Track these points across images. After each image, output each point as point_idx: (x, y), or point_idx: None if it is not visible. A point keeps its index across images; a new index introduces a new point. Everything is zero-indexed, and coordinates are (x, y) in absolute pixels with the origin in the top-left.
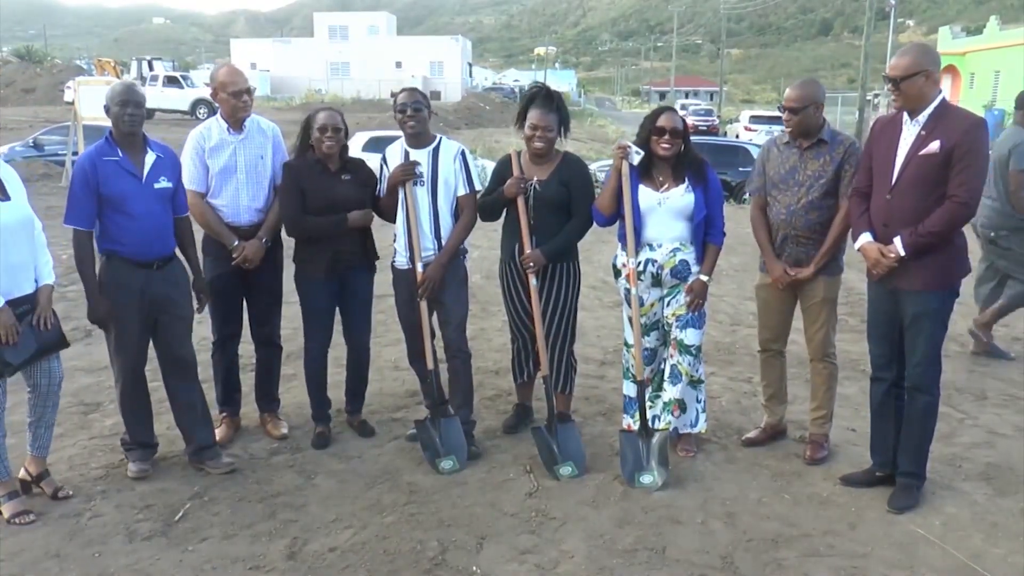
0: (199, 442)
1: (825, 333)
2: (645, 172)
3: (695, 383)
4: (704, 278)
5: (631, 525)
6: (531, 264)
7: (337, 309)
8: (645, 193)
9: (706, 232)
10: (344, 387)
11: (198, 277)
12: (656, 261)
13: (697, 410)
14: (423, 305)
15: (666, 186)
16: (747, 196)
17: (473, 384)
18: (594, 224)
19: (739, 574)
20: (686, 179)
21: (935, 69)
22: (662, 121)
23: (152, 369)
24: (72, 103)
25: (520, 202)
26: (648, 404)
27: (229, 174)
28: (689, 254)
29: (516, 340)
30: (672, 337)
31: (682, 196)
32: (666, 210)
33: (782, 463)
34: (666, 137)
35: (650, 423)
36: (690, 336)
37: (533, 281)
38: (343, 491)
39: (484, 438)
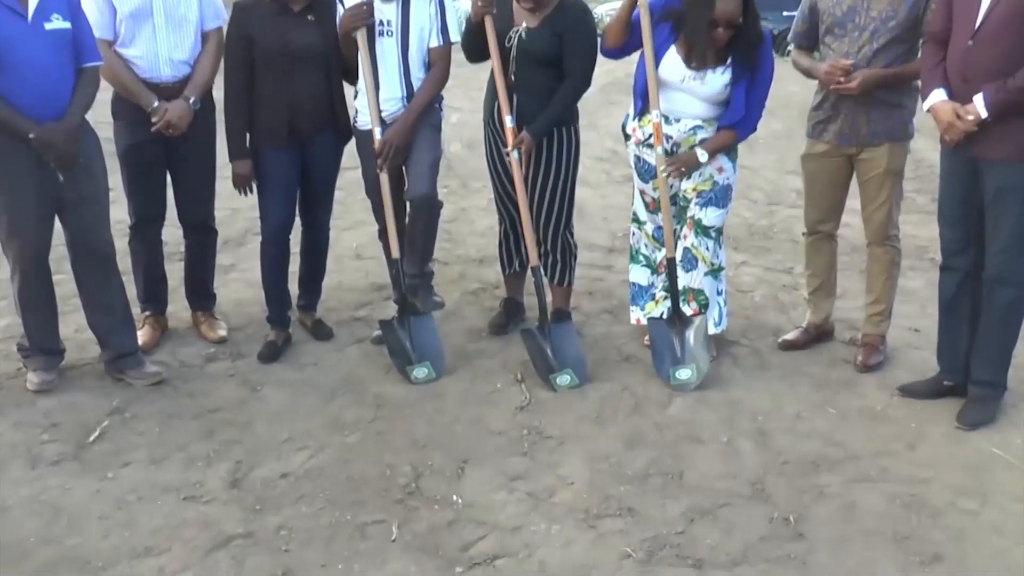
0: (118, 348)
1: (887, 212)
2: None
3: (715, 272)
4: (701, 155)
5: (642, 445)
6: (519, 150)
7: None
8: (671, 62)
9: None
10: (297, 278)
11: (45, 135)
12: (671, 137)
13: (719, 305)
14: (384, 179)
15: (700, 65)
16: (789, 48)
17: (435, 239)
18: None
19: (771, 503)
20: (730, 65)
21: None
22: (720, 9)
23: (57, 259)
24: None
25: (490, 33)
26: (663, 295)
27: (143, 17)
28: (712, 131)
29: (503, 221)
30: (688, 216)
31: (717, 84)
32: (689, 91)
33: (827, 370)
34: (720, 30)
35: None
36: (710, 216)
37: (514, 156)
38: (296, 405)
39: (466, 341)
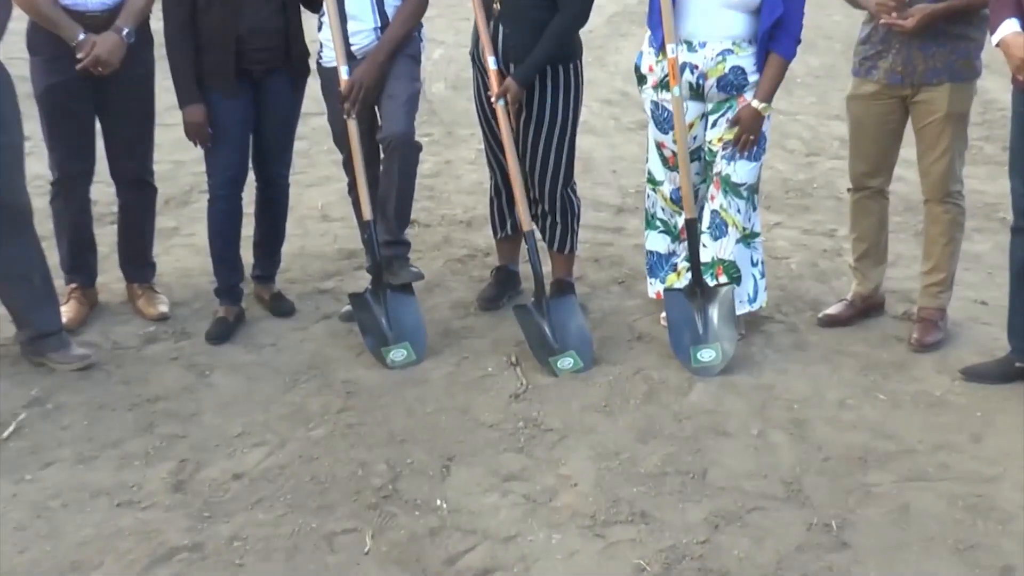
0: (37, 326)
1: (948, 164)
2: None
3: (748, 238)
4: (759, 105)
5: (658, 439)
6: (504, 99)
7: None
8: None
9: (771, 36)
10: (251, 244)
11: None
12: (697, 67)
13: (755, 277)
14: (352, 126)
15: None
16: None
17: (414, 191)
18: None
19: (810, 506)
20: None
21: None
22: None
23: None
24: None
25: None
26: (686, 265)
27: None
28: (746, 57)
29: (494, 176)
30: (715, 172)
31: None
32: None
33: (876, 349)
34: None
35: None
36: (741, 171)
37: (500, 105)
38: (251, 393)
39: (451, 317)
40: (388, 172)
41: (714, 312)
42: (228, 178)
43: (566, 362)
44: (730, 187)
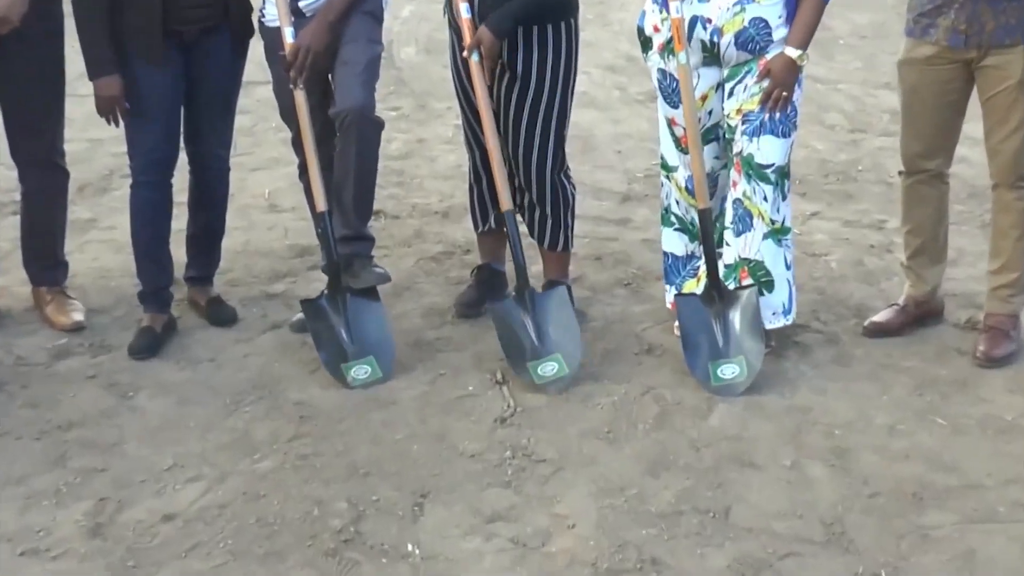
0: None
1: (1021, 142)
2: None
3: (778, 233)
4: (793, 52)
5: (672, 471)
6: (478, 52)
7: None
8: None
9: None
10: (184, 239)
11: None
12: (710, 21)
13: (789, 284)
14: (301, 97)
15: None
16: None
17: (376, 177)
18: None
19: (854, 551)
20: None
21: None
22: None
23: None
24: None
25: None
26: (701, 268)
27: None
28: (769, 7)
29: (473, 157)
30: (735, 152)
31: None
32: None
33: (933, 365)
34: None
35: (724, 279)
36: (767, 150)
37: (474, 59)
38: (184, 419)
39: (424, 326)
40: (343, 154)
41: (736, 320)
42: (155, 160)
43: (548, 367)
44: (754, 170)
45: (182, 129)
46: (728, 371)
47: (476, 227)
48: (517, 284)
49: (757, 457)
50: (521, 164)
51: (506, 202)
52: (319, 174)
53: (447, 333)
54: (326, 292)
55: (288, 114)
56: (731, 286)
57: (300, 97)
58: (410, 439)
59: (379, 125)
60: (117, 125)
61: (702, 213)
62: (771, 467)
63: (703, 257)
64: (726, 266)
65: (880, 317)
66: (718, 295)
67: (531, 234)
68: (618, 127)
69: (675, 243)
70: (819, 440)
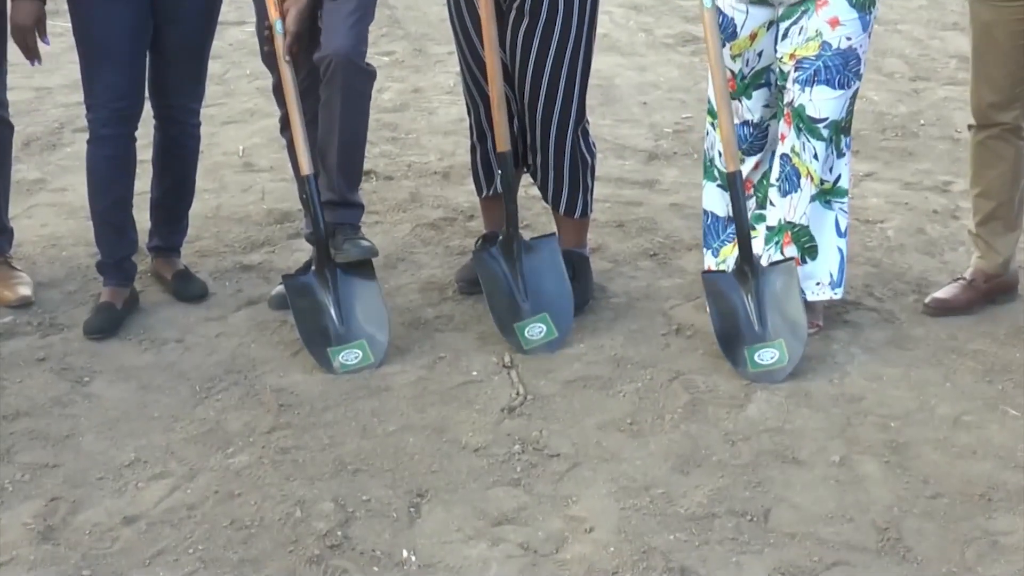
0: None
1: None
2: None
3: (829, 195)
4: None
5: (704, 468)
6: None
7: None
8: None
9: None
10: (148, 204)
11: None
12: None
13: (839, 251)
14: (287, 72)
15: None
16: None
17: (366, 134)
18: None
19: (912, 559)
20: None
21: None
22: None
23: None
24: None
25: None
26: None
27: None
28: None
29: (476, 111)
30: (786, 101)
31: None
32: None
33: (1005, 347)
34: None
35: (761, 253)
36: (820, 101)
37: None
38: (148, 408)
39: (422, 302)
40: (328, 107)
41: (773, 297)
42: (115, 111)
43: (536, 330)
44: (804, 123)
45: (149, 80)
46: (767, 356)
47: (480, 192)
48: (505, 232)
49: (801, 452)
50: (538, 119)
51: (502, 143)
52: (303, 132)
53: (447, 310)
54: (312, 267)
55: (270, 59)
56: (773, 253)
57: (287, 72)
58: (405, 431)
59: (370, 74)
60: (32, 62)
61: (731, 177)
62: (817, 464)
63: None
64: (768, 228)
65: (944, 293)
66: (751, 271)
67: (544, 197)
68: (643, 75)
69: (716, 201)
70: (872, 433)
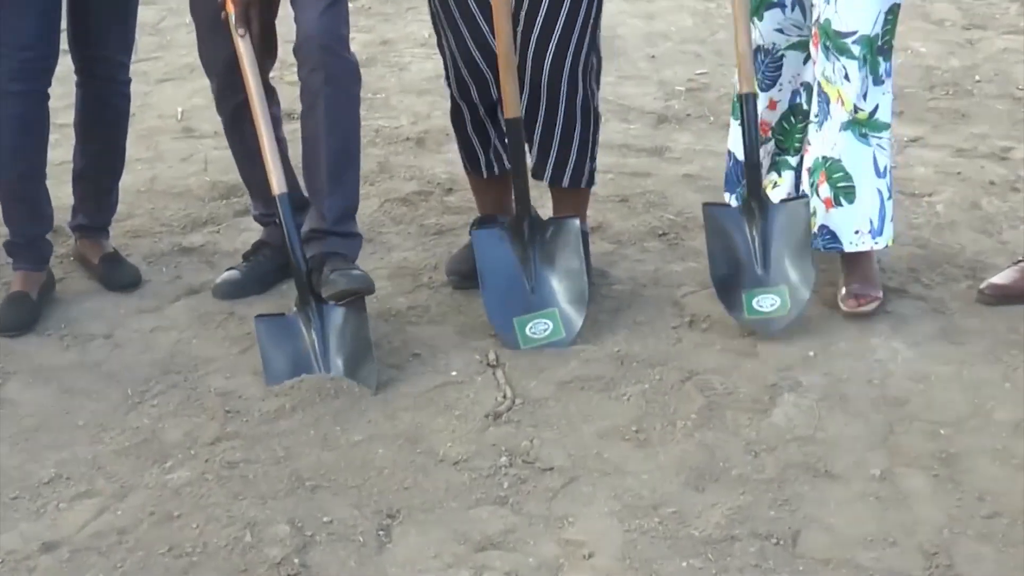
0: None
1: None
2: None
3: (861, 124)
4: None
5: (721, 484)
6: None
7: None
8: None
9: None
10: (70, 176)
11: None
12: None
13: (880, 195)
14: (243, 46)
15: None
16: None
17: (359, 145)
18: None
19: None
20: None
21: None
22: None
23: None
24: None
25: None
26: (778, 178)
27: None
28: None
29: (456, 67)
30: (814, 19)
31: None
32: None
33: None
34: None
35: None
36: (848, 12)
37: None
38: (71, 415)
39: (392, 289)
40: (311, 111)
41: (781, 238)
42: (26, 62)
43: (540, 326)
44: (832, 40)
45: (67, 27)
46: (766, 302)
47: (476, 173)
48: (517, 210)
49: (836, 465)
50: (545, 73)
51: (512, 108)
52: (272, 143)
53: (422, 300)
54: (296, 307)
55: (212, 60)
56: (810, 195)
57: (243, 47)
58: (373, 441)
59: (353, 70)
60: None
61: (743, 99)
62: (855, 478)
63: (774, 157)
64: (807, 169)
65: (1002, 278)
66: (758, 207)
67: (539, 172)
68: (651, 24)
69: (737, 141)
70: (919, 442)
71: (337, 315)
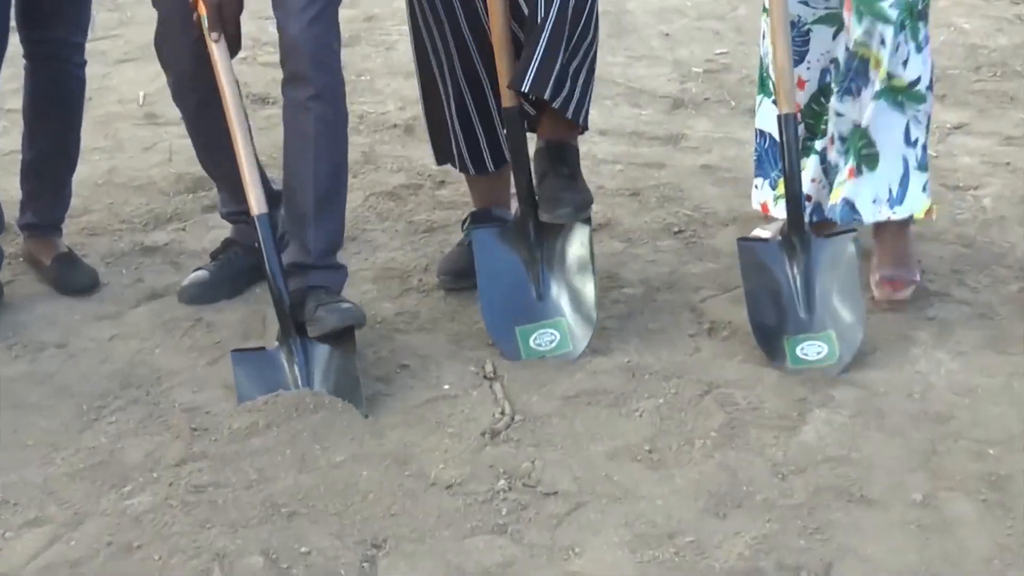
0: None
1: None
2: None
3: (901, 93)
4: None
5: (744, 510)
6: None
7: None
8: None
9: None
10: (19, 168)
11: None
12: None
13: (906, 163)
14: (217, 49)
15: None
16: None
17: (347, 169)
18: None
19: None
20: None
21: None
22: None
23: None
24: None
25: None
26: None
27: None
28: None
29: (458, 86)
30: None
31: None
32: None
33: None
34: None
35: (806, 211)
36: None
37: None
38: (20, 434)
39: (378, 294)
40: (295, 131)
41: (826, 278)
42: None
43: (546, 337)
44: (866, 4)
45: (13, 5)
46: (812, 351)
47: (465, 170)
48: (521, 206)
49: (873, 489)
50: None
51: (509, 97)
52: (251, 160)
53: (411, 305)
54: (280, 341)
55: (175, 57)
56: (842, 167)
57: (218, 52)
58: (356, 462)
59: (341, 83)
60: None
61: (783, 121)
62: (893, 503)
63: (806, 142)
64: (841, 140)
65: None
66: (799, 243)
67: (528, 88)
68: (662, 1)
69: (775, 120)
70: (965, 463)
71: (322, 349)
